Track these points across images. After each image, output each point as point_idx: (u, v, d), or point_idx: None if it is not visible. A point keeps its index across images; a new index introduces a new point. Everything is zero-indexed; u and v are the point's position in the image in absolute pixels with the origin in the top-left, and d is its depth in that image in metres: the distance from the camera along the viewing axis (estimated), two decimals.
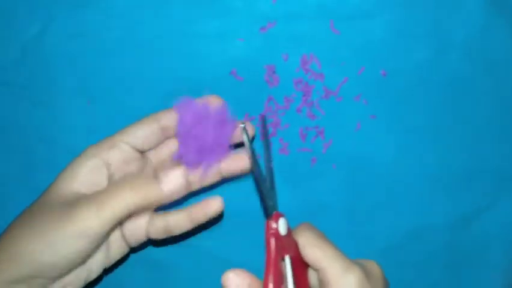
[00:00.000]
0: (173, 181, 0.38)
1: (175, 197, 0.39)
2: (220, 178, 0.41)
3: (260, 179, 0.36)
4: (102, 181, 0.37)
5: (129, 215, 0.36)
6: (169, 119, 0.38)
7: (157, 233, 0.39)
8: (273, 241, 0.34)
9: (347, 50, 0.45)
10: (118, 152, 0.37)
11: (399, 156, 0.46)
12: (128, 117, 0.40)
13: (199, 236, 0.46)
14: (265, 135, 0.40)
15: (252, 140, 0.36)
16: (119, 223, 0.37)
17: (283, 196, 0.46)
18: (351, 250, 0.46)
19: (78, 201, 0.35)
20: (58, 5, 0.45)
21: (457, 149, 0.46)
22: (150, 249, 0.46)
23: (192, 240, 0.46)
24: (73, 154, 0.45)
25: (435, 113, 0.46)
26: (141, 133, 0.38)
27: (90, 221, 0.34)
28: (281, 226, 0.34)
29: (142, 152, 0.39)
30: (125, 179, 0.36)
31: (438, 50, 0.45)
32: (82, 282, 0.37)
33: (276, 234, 0.34)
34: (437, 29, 0.45)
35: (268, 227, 0.34)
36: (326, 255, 0.34)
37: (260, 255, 0.36)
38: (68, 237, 0.34)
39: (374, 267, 0.35)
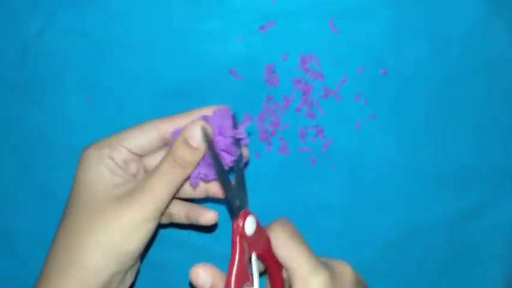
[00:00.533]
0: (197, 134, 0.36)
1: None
2: (205, 195, 0.41)
3: (222, 178, 0.35)
4: (120, 172, 0.37)
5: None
6: (168, 127, 0.38)
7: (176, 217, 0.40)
8: (237, 240, 0.34)
9: (346, 49, 0.45)
10: (117, 154, 0.37)
11: (399, 155, 0.46)
12: (128, 116, 0.40)
13: (199, 236, 0.46)
14: (233, 128, 0.38)
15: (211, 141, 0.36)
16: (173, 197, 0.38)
17: (282, 196, 0.46)
18: (350, 249, 0.46)
19: (138, 187, 0.35)
20: (59, 3, 0.45)
21: (457, 148, 0.46)
22: (150, 250, 0.46)
23: (192, 241, 0.46)
24: (73, 153, 0.45)
25: (435, 112, 0.45)
26: (139, 140, 0.38)
27: (161, 194, 0.35)
28: (248, 225, 0.34)
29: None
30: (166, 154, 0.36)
31: (438, 48, 0.45)
32: (132, 279, 0.39)
33: (242, 233, 0.34)
34: (436, 28, 0.45)
35: (233, 227, 0.34)
36: (293, 255, 0.34)
37: None
38: (146, 217, 0.35)
39: (344, 269, 0.35)
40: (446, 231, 0.46)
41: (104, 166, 0.36)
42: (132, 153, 0.38)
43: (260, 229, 0.35)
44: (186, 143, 0.34)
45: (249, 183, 0.45)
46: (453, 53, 0.45)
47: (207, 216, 0.39)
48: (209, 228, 0.46)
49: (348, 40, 0.45)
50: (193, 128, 0.35)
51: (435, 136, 0.46)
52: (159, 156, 0.39)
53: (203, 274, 0.34)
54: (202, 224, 0.39)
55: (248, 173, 0.45)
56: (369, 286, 0.39)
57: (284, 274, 0.37)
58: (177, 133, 0.37)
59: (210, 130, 0.35)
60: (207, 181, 0.38)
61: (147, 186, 0.35)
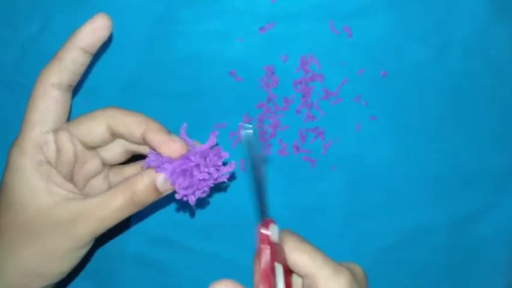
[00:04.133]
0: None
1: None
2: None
3: (257, 184, 0.34)
4: (58, 180, 0.35)
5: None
6: (116, 115, 0.36)
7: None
8: (265, 248, 0.32)
9: (347, 50, 0.45)
10: (46, 148, 0.35)
11: (400, 157, 0.45)
12: None
13: (199, 237, 0.46)
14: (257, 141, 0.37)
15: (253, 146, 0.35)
16: None
17: (282, 198, 0.46)
18: (351, 251, 0.46)
19: (81, 215, 0.34)
20: (57, 4, 0.44)
21: (458, 150, 0.46)
22: (150, 250, 0.46)
23: (192, 242, 0.46)
24: None
25: (436, 113, 0.45)
26: (84, 128, 0.36)
27: (81, 233, 0.34)
28: (273, 233, 0.33)
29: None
30: (124, 186, 0.35)
31: (439, 50, 0.45)
32: None
33: (268, 240, 0.32)
34: (437, 29, 0.45)
35: (260, 234, 0.33)
36: (313, 260, 0.33)
37: None
38: (82, 245, 0.35)
39: (358, 270, 0.35)
40: (446, 234, 0.46)
41: (38, 179, 0.34)
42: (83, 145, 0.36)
43: (280, 239, 0.34)
44: (155, 188, 0.34)
45: (248, 186, 0.45)
46: (454, 54, 0.45)
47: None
48: (203, 226, 0.46)
49: (348, 41, 0.45)
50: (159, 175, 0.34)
51: (435, 138, 0.45)
52: (115, 148, 0.38)
53: None
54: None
55: (247, 175, 0.45)
56: None
57: (295, 284, 0.36)
58: (150, 161, 0.35)
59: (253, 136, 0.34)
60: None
61: (90, 219, 0.34)
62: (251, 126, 0.33)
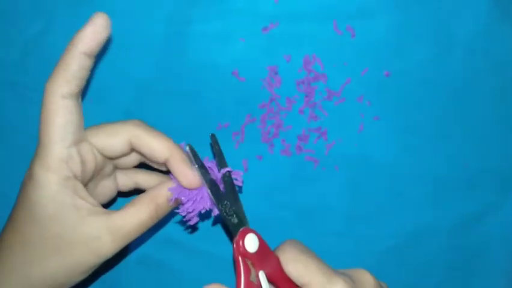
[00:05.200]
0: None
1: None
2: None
3: (218, 199, 0.35)
4: (84, 194, 0.35)
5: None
6: (138, 136, 0.36)
7: (126, 187, 0.40)
8: (240, 260, 0.33)
9: (350, 50, 0.44)
10: (71, 162, 0.35)
11: (403, 158, 0.45)
12: (130, 117, 0.40)
13: (199, 237, 0.46)
14: (219, 154, 0.38)
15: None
16: None
17: (285, 198, 0.46)
18: (353, 252, 0.46)
19: (105, 232, 0.34)
20: (60, 4, 0.44)
21: (461, 150, 0.45)
22: (151, 250, 0.46)
23: (192, 242, 0.46)
24: None
25: (439, 113, 0.45)
26: (104, 140, 0.36)
27: (107, 249, 0.35)
28: (249, 243, 0.33)
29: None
30: (136, 200, 0.36)
31: (442, 50, 0.45)
32: None
33: (244, 252, 0.33)
34: (440, 29, 0.44)
35: (234, 246, 0.33)
36: (307, 269, 0.33)
37: None
38: (101, 259, 0.35)
39: (364, 277, 0.34)
40: (449, 234, 0.46)
41: (66, 195, 0.34)
42: (99, 151, 0.37)
43: (265, 247, 0.34)
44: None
45: (251, 186, 0.45)
46: (457, 54, 0.45)
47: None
48: (207, 228, 0.46)
49: (351, 41, 0.44)
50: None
51: (439, 139, 0.45)
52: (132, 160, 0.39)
53: None
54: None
55: (250, 175, 0.45)
56: None
57: None
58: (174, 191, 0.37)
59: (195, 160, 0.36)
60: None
61: (116, 235, 0.34)
62: (189, 146, 0.35)
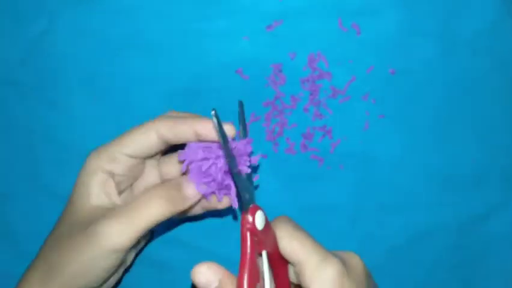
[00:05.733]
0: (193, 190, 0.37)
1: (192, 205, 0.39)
2: (202, 211, 0.41)
3: (235, 172, 0.34)
4: (112, 191, 0.37)
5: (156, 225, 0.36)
6: (168, 131, 0.36)
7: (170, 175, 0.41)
8: (248, 236, 0.31)
9: (355, 48, 0.44)
10: (118, 165, 0.37)
11: (408, 156, 0.45)
12: (135, 115, 0.40)
13: (200, 236, 0.46)
14: (243, 123, 0.37)
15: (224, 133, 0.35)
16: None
17: (289, 196, 0.45)
18: (358, 251, 0.45)
19: (105, 219, 0.34)
20: (64, 2, 0.44)
21: (467, 149, 0.45)
22: (152, 250, 0.45)
23: (193, 241, 0.46)
24: (79, 152, 0.45)
25: (445, 112, 0.45)
26: (138, 145, 0.37)
27: (121, 239, 0.34)
28: (258, 220, 0.32)
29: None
30: (150, 191, 0.36)
31: (448, 48, 0.44)
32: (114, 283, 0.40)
33: (252, 228, 0.32)
34: (446, 27, 0.44)
35: (243, 221, 0.32)
36: (302, 247, 0.32)
37: None
38: (100, 257, 0.35)
39: (355, 260, 0.33)
40: (454, 233, 0.46)
41: (95, 182, 0.36)
42: (133, 157, 0.37)
43: (268, 226, 0.33)
44: (184, 195, 0.36)
45: (255, 184, 0.45)
46: (463, 52, 0.44)
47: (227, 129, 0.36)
48: (212, 227, 0.46)
49: (356, 39, 0.44)
50: (189, 188, 0.36)
51: (444, 137, 0.45)
52: (174, 161, 0.40)
53: (207, 273, 0.31)
54: (219, 208, 0.39)
55: (255, 173, 0.45)
56: None
57: (291, 273, 0.35)
58: (184, 155, 0.37)
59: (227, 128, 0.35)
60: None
61: (125, 223, 0.34)
62: (214, 114, 0.34)
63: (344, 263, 0.32)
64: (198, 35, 0.44)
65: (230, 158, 0.34)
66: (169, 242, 0.45)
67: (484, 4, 0.44)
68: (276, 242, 0.33)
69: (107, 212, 0.35)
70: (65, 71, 0.45)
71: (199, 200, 0.38)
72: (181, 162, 0.38)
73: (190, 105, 0.45)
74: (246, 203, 0.33)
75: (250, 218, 0.32)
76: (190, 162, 0.36)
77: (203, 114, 0.45)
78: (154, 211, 0.35)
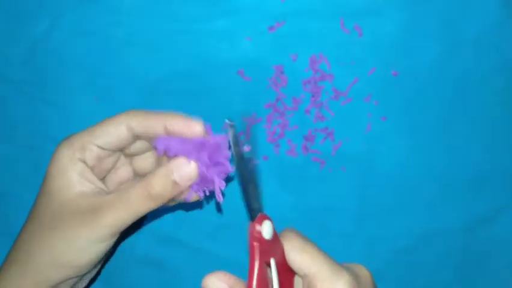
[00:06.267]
0: (186, 171, 0.36)
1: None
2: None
3: (244, 180, 0.34)
4: (93, 177, 0.37)
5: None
6: (138, 124, 0.36)
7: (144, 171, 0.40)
8: (256, 245, 0.32)
9: (357, 49, 0.44)
10: (89, 153, 0.37)
11: (411, 158, 0.45)
12: None
13: (207, 238, 0.45)
14: (235, 143, 0.36)
15: (238, 139, 0.34)
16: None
17: (291, 199, 0.45)
18: (361, 253, 0.45)
19: (101, 206, 0.35)
20: (66, 2, 0.45)
21: (470, 150, 0.45)
22: (152, 250, 0.45)
23: (200, 243, 0.45)
24: None
25: (447, 113, 0.45)
26: (108, 137, 0.37)
27: (122, 220, 0.34)
28: (265, 229, 0.33)
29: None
30: (143, 180, 0.35)
31: (450, 49, 0.44)
32: (95, 271, 0.39)
33: (260, 238, 0.32)
34: (448, 28, 0.44)
35: (251, 230, 0.32)
36: (313, 260, 0.32)
37: None
38: (100, 238, 0.35)
39: (364, 272, 0.34)
40: (458, 236, 0.45)
41: (74, 171, 0.36)
42: (104, 149, 0.37)
43: (276, 236, 0.34)
44: (173, 180, 0.34)
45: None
46: (465, 54, 0.44)
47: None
48: (211, 228, 0.45)
49: (358, 40, 0.44)
50: (185, 165, 0.34)
51: (447, 138, 0.45)
52: (148, 157, 0.39)
53: (217, 283, 0.32)
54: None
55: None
56: None
57: (297, 285, 0.35)
58: (160, 142, 0.35)
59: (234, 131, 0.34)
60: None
61: (110, 211, 0.34)
62: (233, 122, 0.33)
63: (354, 275, 0.32)
64: (199, 36, 0.44)
65: (240, 166, 0.34)
66: (169, 242, 0.45)
67: (487, 5, 0.44)
68: (283, 253, 0.34)
69: (96, 197, 0.35)
70: (66, 71, 0.45)
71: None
72: (155, 149, 0.36)
73: (191, 106, 0.45)
74: (254, 212, 0.33)
75: (258, 228, 0.32)
76: (168, 148, 0.35)
77: (204, 115, 0.44)
78: (145, 202, 0.35)
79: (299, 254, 0.33)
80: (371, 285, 0.34)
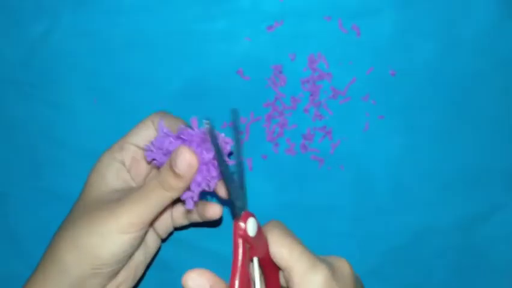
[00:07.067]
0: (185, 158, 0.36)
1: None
2: (188, 222, 0.41)
3: (228, 178, 0.34)
4: (127, 176, 0.39)
5: (168, 204, 0.37)
6: (160, 119, 0.38)
7: (180, 221, 0.42)
8: (240, 243, 0.32)
9: (355, 49, 0.44)
10: (126, 153, 0.39)
11: (408, 157, 0.45)
12: (135, 116, 0.40)
13: (203, 237, 0.46)
14: (236, 130, 0.37)
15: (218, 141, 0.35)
16: (159, 213, 0.38)
17: (289, 197, 0.45)
18: (358, 251, 0.45)
19: (124, 197, 0.36)
20: (65, 3, 0.45)
21: (467, 149, 0.45)
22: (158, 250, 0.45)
23: (197, 242, 0.46)
24: (80, 153, 0.45)
25: (445, 113, 0.45)
26: (140, 135, 0.39)
27: (140, 211, 0.35)
28: (250, 227, 0.32)
29: None
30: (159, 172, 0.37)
31: (448, 48, 0.44)
32: (131, 282, 0.40)
33: (244, 235, 0.32)
34: (446, 28, 0.44)
35: (235, 228, 0.32)
36: (291, 253, 0.32)
37: None
38: (121, 229, 0.35)
39: (343, 265, 0.34)
40: (454, 234, 0.45)
41: (111, 170, 0.38)
42: (139, 148, 0.39)
43: (260, 232, 0.34)
44: (172, 169, 0.34)
45: (255, 185, 0.45)
46: (463, 53, 0.44)
47: (213, 209, 0.39)
48: (212, 226, 0.46)
49: (356, 40, 0.44)
50: (178, 155, 0.34)
51: (444, 137, 0.45)
52: None
53: (198, 280, 0.32)
54: (207, 219, 0.39)
55: (254, 174, 0.45)
56: None
57: (281, 279, 0.35)
58: (158, 141, 0.36)
59: (215, 132, 0.35)
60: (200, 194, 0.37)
61: (128, 200, 0.35)
62: (208, 121, 0.34)
63: (331, 268, 0.32)
64: (198, 36, 0.44)
65: (224, 166, 0.34)
66: (170, 242, 0.45)
67: (484, 5, 0.44)
68: (267, 246, 0.34)
69: (125, 192, 0.37)
70: (65, 71, 0.45)
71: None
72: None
73: (190, 105, 0.45)
74: (238, 210, 0.33)
75: (242, 225, 0.32)
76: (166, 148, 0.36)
77: (203, 114, 0.45)
78: (162, 193, 0.36)
79: (278, 247, 0.33)
80: (349, 278, 0.33)
